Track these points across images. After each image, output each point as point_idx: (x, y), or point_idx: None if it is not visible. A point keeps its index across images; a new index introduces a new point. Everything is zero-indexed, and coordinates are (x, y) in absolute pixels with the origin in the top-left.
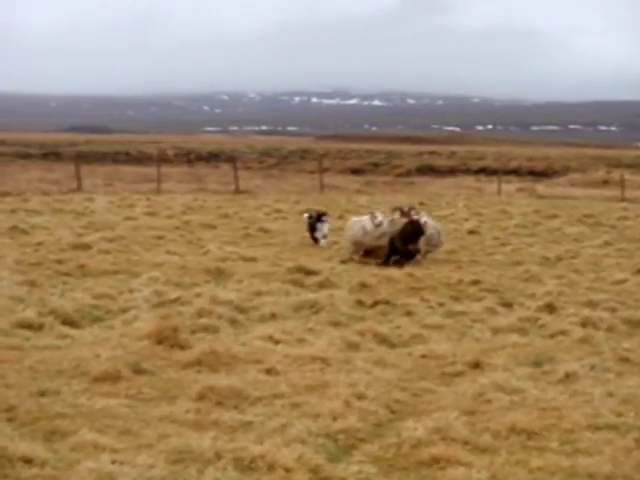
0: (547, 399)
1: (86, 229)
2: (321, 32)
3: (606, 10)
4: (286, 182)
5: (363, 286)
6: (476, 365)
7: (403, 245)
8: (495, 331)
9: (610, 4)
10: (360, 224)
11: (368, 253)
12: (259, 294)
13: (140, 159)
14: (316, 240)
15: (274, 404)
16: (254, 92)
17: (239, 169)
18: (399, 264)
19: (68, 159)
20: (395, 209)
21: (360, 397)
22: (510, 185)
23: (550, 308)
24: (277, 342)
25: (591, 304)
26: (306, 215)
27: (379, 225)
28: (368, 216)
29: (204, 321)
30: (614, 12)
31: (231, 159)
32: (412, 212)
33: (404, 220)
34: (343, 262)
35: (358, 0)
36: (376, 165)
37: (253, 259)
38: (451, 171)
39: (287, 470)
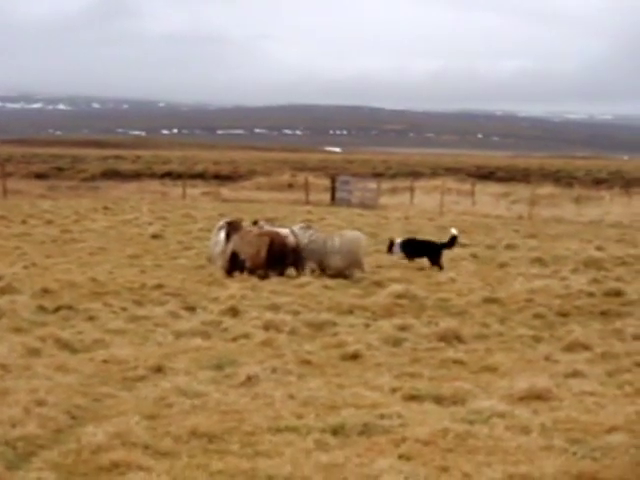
0: (228, 402)
1: None
2: (4, 34)
3: (294, 19)
4: None
5: (46, 291)
6: (158, 369)
7: None
8: (178, 335)
9: (298, 13)
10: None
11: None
12: None
13: None
14: None
15: None
16: None
17: None
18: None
19: None
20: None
21: (40, 403)
22: (195, 189)
23: (233, 311)
24: None
25: (274, 307)
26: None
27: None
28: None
29: None
30: (302, 21)
31: None
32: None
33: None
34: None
35: (42, 3)
36: (60, 169)
37: None
38: (136, 175)
39: None
